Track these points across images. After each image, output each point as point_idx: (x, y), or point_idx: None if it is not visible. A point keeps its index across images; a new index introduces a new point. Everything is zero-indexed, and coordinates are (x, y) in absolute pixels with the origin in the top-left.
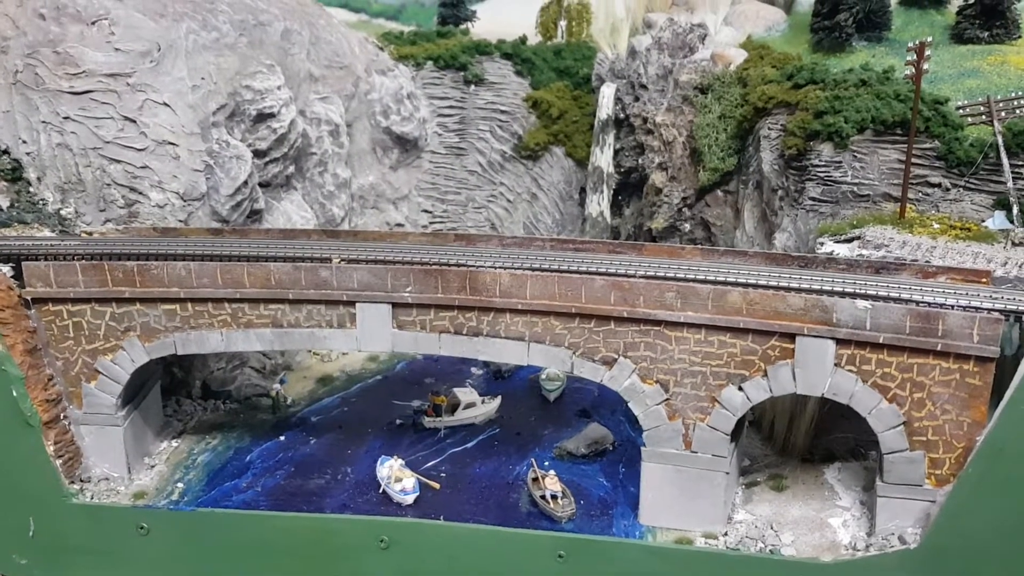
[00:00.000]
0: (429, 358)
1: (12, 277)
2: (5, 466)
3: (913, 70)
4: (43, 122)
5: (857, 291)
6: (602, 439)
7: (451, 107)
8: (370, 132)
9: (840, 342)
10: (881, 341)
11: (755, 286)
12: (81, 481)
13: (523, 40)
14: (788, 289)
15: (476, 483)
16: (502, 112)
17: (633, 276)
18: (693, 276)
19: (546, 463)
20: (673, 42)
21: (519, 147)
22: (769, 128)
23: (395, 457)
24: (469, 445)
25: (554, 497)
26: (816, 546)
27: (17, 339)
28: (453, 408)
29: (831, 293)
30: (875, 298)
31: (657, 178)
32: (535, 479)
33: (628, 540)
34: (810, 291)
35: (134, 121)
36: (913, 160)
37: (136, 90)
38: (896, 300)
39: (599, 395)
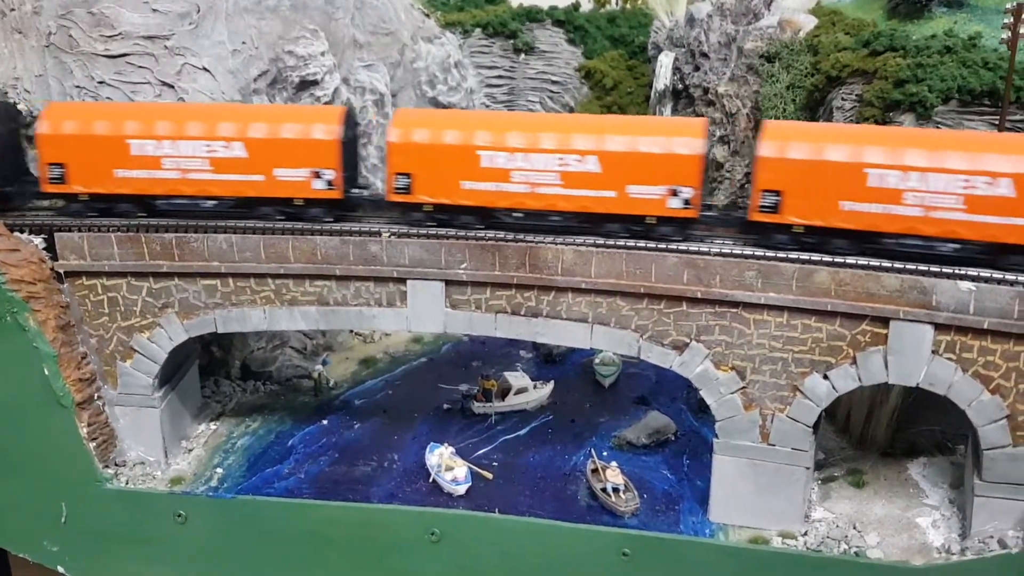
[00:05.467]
0: (476, 340)
1: (44, 249)
2: (37, 449)
3: (1008, 34)
4: (77, 87)
5: (959, 271)
6: (664, 428)
7: (500, 77)
8: (416, 102)
9: (939, 327)
10: (985, 327)
11: (845, 265)
12: (116, 465)
13: (576, 6)
14: (882, 268)
15: (531, 473)
16: (553, 82)
17: (708, 254)
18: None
19: (604, 453)
20: (736, 8)
21: None
22: (843, 98)
23: (445, 444)
24: (521, 432)
25: (616, 490)
26: (905, 548)
27: (49, 315)
28: (504, 393)
29: (930, 273)
30: (980, 279)
31: (718, 152)
32: (595, 470)
33: (698, 538)
34: (907, 271)
35: (172, 86)
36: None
37: (174, 54)
38: (1003, 282)
39: (657, 381)
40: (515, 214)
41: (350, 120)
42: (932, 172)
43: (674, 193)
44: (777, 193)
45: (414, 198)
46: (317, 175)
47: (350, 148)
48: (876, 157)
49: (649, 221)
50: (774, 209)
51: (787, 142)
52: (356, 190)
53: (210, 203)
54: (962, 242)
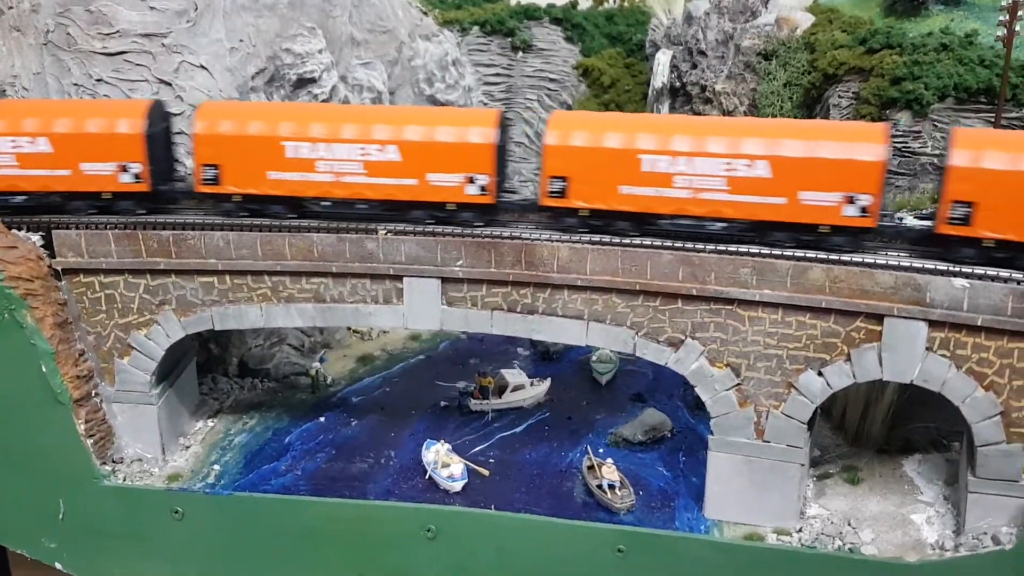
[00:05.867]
0: (474, 337)
1: (42, 247)
2: (34, 445)
3: (1004, 31)
4: (75, 84)
5: (953, 268)
6: (660, 425)
7: (497, 75)
8: (414, 100)
9: (933, 324)
10: (979, 323)
11: (840, 262)
12: (113, 462)
13: (574, 4)
14: (877, 266)
15: (527, 470)
16: (551, 80)
17: (703, 251)
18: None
19: (601, 450)
20: (734, 6)
21: None
22: (840, 96)
23: (441, 441)
24: (518, 429)
25: (612, 487)
26: (899, 545)
27: (47, 311)
28: (501, 390)
29: (924, 270)
30: (974, 276)
31: None
32: (591, 467)
33: (693, 535)
34: (901, 268)
35: (170, 84)
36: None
37: (172, 51)
38: (997, 279)
39: (654, 378)
40: (323, 203)
41: (158, 114)
42: (698, 156)
43: (471, 180)
44: (564, 179)
45: (223, 189)
46: (124, 169)
47: (159, 142)
48: (648, 143)
49: (450, 207)
50: (562, 194)
51: (571, 131)
52: (169, 183)
53: (20, 198)
54: (728, 221)
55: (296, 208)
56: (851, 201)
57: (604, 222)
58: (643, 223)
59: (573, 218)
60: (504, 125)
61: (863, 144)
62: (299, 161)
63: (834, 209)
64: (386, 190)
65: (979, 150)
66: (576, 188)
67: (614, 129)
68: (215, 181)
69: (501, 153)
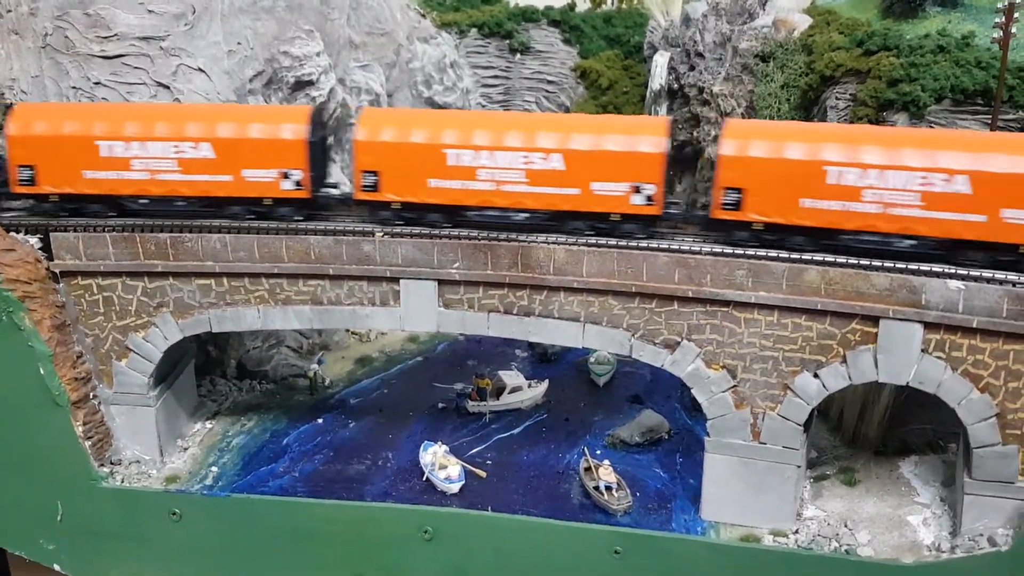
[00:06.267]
0: (472, 339)
1: (40, 249)
2: (33, 447)
3: (1000, 33)
4: (73, 87)
5: (949, 270)
6: (657, 427)
7: (495, 77)
8: (411, 102)
9: (928, 326)
10: (974, 325)
11: (835, 264)
12: (111, 464)
13: (572, 6)
14: (872, 267)
15: (524, 472)
16: (549, 82)
17: (699, 253)
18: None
19: (598, 452)
20: (732, 8)
21: None
22: (837, 98)
23: (439, 443)
24: (516, 431)
25: (609, 488)
26: (896, 546)
27: (45, 314)
28: (498, 392)
29: (920, 272)
30: (969, 278)
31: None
32: (588, 469)
33: (690, 536)
34: (897, 270)
35: (167, 87)
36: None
37: (170, 54)
38: (992, 281)
39: (651, 380)
40: (141, 201)
41: None
42: (498, 150)
43: (286, 176)
44: (375, 173)
45: (39, 189)
46: None
47: None
48: (452, 138)
49: (267, 203)
50: (374, 188)
51: (380, 128)
52: None
53: None
54: (530, 211)
55: (115, 207)
56: (637, 190)
57: (416, 214)
58: (453, 215)
59: (387, 211)
60: (318, 121)
61: (646, 137)
62: (114, 160)
63: (623, 198)
64: (202, 187)
65: (746, 139)
66: (387, 182)
67: (420, 125)
68: (31, 182)
69: (316, 149)
